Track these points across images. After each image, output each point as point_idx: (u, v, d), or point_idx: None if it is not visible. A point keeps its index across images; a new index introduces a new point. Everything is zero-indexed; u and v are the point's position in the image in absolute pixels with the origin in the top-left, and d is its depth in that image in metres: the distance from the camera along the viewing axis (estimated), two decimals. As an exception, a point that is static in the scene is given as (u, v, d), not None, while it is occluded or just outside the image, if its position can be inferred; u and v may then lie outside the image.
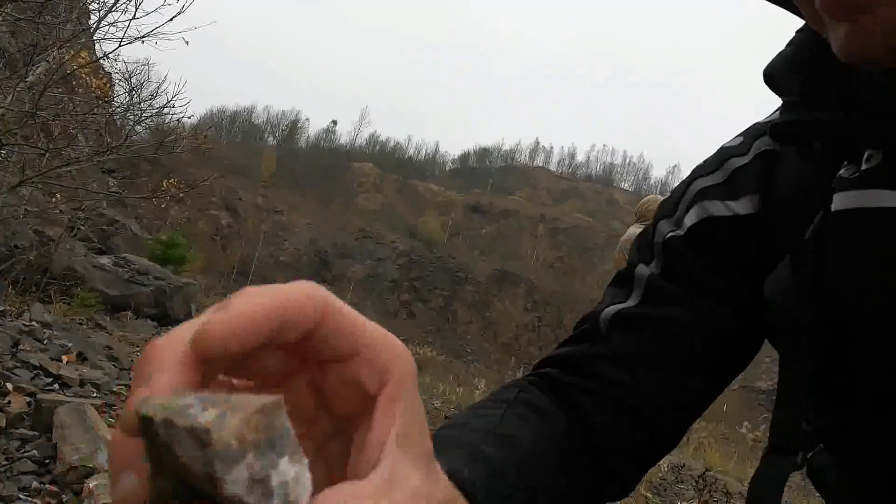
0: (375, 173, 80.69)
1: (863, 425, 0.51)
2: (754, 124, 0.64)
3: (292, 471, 0.22)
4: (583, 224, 72.93)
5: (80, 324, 5.55)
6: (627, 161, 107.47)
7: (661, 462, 6.81)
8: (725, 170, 0.62)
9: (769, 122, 0.61)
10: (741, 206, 0.60)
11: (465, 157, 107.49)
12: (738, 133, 0.65)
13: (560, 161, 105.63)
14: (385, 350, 0.28)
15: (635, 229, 4.19)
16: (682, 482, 6.52)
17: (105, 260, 8.40)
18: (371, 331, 0.28)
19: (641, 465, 0.62)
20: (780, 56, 0.56)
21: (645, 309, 0.62)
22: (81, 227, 9.20)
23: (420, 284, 56.15)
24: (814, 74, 0.52)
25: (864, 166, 0.49)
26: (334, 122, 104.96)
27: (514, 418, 0.56)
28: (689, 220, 0.62)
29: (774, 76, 0.55)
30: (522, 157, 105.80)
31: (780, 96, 0.55)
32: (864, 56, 0.41)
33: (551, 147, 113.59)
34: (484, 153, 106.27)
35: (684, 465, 7.11)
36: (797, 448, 0.54)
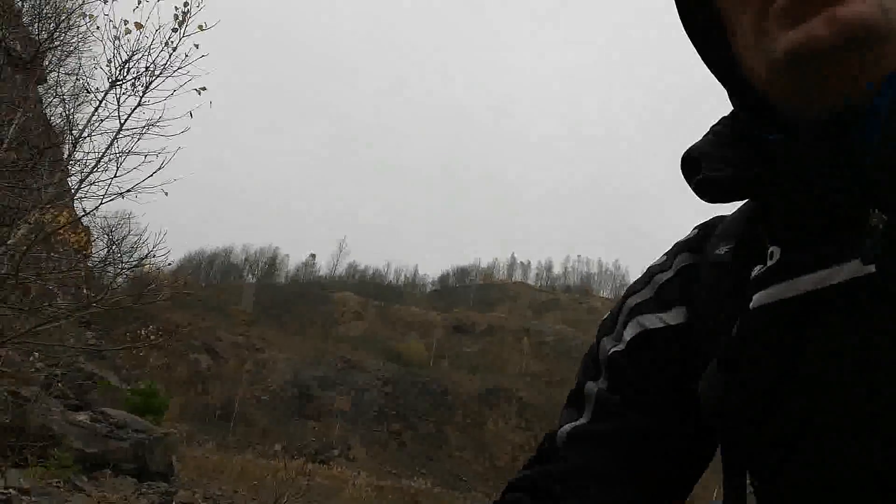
0: (356, 301, 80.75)
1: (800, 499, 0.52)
2: (676, 243, 0.71)
3: None
4: (567, 334, 72.76)
5: (58, 486, 5.34)
6: (604, 269, 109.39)
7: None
8: (653, 285, 0.68)
9: (688, 239, 0.71)
10: (671, 317, 0.65)
11: (444, 278, 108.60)
12: (663, 253, 0.72)
13: (538, 274, 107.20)
14: None
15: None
16: None
17: (82, 416, 8.19)
18: None
19: None
20: (701, 140, 0.62)
21: (596, 425, 0.65)
22: (59, 384, 9.03)
23: (408, 411, 54.62)
24: (732, 146, 0.58)
25: (769, 263, 0.54)
26: (313, 256, 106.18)
27: None
28: (628, 334, 0.67)
29: (692, 154, 0.60)
30: (501, 273, 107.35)
31: (689, 181, 0.60)
32: (812, 55, 0.47)
33: (528, 262, 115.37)
34: (463, 273, 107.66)
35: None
36: None
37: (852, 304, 0.48)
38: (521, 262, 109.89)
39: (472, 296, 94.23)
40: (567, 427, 0.67)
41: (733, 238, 0.63)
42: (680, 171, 0.61)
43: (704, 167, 0.57)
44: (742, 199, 0.62)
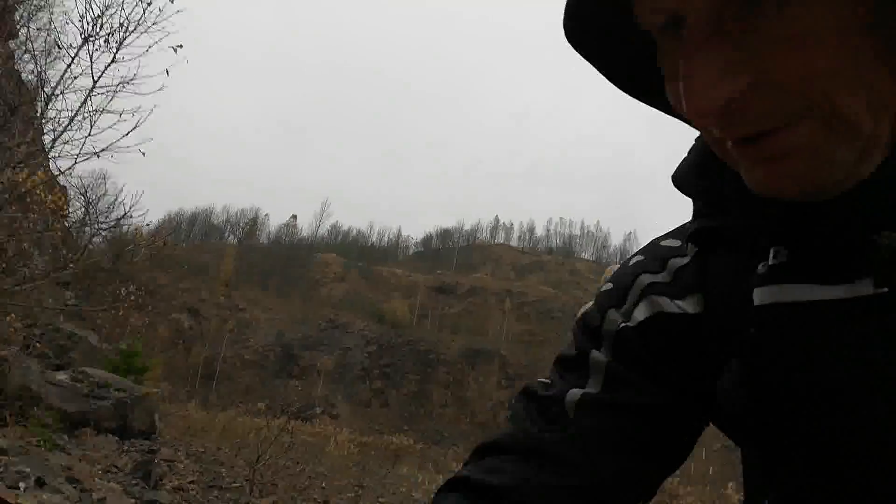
0: (339, 262, 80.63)
1: (814, 500, 0.54)
2: (686, 223, 0.67)
3: None
4: (548, 296, 73.44)
5: (38, 445, 5.37)
6: (586, 231, 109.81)
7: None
8: (669, 269, 0.66)
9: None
10: (689, 306, 0.63)
11: (427, 240, 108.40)
12: (675, 230, 0.69)
13: (521, 236, 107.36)
14: None
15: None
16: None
17: (62, 376, 8.19)
18: None
19: None
20: (684, 163, 0.60)
21: (608, 396, 0.65)
22: (37, 344, 9.00)
23: (391, 370, 55.22)
24: (714, 181, 0.55)
25: (770, 262, 0.53)
26: (294, 217, 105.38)
27: None
28: (640, 313, 0.65)
29: (681, 182, 0.59)
30: (484, 234, 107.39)
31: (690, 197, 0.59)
32: (782, 194, 0.44)
33: (511, 223, 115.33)
34: (446, 234, 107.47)
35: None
36: None
37: (858, 320, 0.48)
38: (504, 224, 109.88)
39: (455, 257, 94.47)
40: (576, 393, 0.66)
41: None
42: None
43: (695, 210, 0.57)
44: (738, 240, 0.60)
